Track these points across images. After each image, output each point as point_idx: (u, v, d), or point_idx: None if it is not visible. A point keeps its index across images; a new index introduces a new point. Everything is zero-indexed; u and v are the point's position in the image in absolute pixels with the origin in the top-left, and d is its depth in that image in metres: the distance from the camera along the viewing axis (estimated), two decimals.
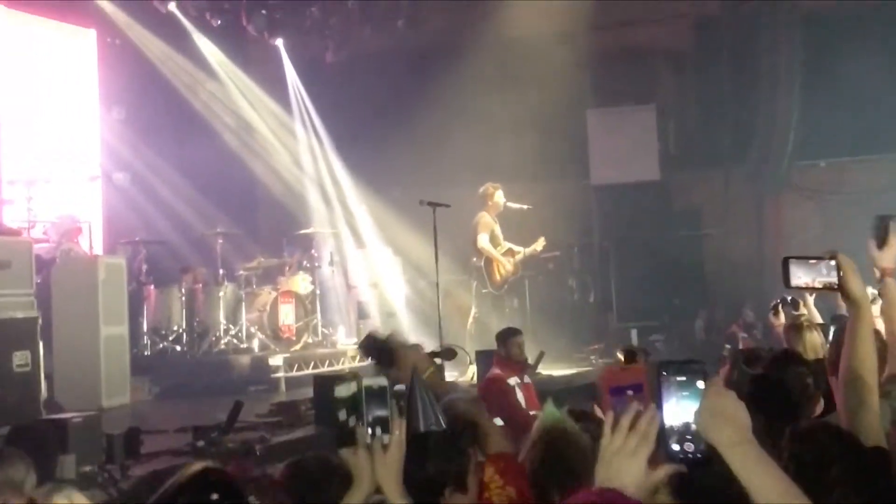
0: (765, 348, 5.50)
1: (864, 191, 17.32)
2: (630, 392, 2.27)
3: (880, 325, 4.90)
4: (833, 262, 3.44)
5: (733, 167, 17.79)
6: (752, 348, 5.59)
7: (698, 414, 2.18)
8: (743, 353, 5.44)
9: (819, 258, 3.47)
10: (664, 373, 2.21)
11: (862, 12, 17.32)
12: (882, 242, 4.55)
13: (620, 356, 4.41)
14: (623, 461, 2.16)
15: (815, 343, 6.35)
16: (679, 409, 2.19)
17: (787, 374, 4.43)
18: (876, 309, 5.94)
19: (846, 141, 17.09)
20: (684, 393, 2.20)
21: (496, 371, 9.22)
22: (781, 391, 4.31)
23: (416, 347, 4.01)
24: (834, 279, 3.48)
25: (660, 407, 2.20)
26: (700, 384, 2.20)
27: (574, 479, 3.24)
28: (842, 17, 17.38)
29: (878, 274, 4.90)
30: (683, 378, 2.21)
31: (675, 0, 18.05)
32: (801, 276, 3.54)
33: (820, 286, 3.53)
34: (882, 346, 4.43)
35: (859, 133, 16.93)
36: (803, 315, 7.63)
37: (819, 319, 7.48)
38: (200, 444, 7.66)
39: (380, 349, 3.76)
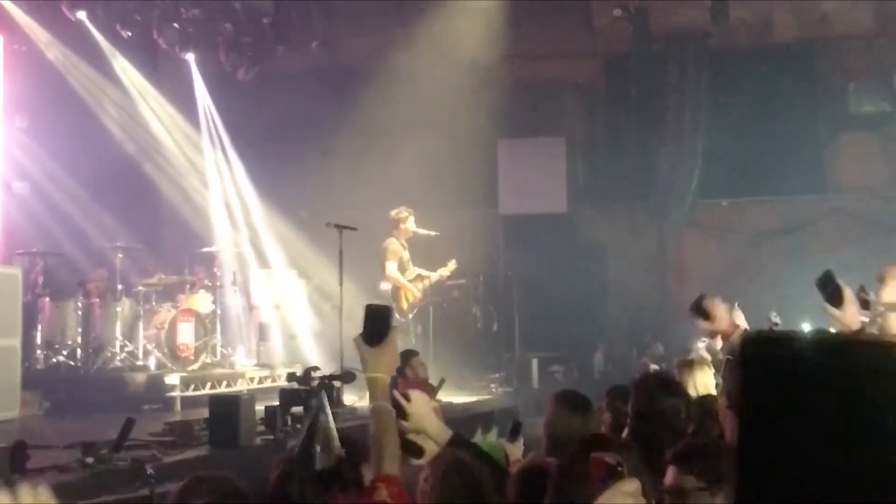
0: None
1: (765, 231, 17.73)
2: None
3: None
4: None
5: (638, 203, 18.02)
6: (619, 386, 5.69)
7: None
8: (614, 391, 5.57)
9: None
10: None
11: (767, 54, 17.78)
12: (838, 301, 4.65)
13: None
14: None
15: (705, 380, 6.49)
16: None
17: (663, 405, 4.54)
18: None
19: (748, 180, 17.47)
20: None
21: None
22: (660, 422, 4.40)
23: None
24: None
25: None
26: None
27: None
28: (748, 59, 17.82)
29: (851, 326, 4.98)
30: None
31: (587, 36, 18.33)
32: None
33: None
34: None
35: (762, 173, 17.33)
36: (691, 353, 7.79)
37: (707, 358, 7.61)
38: (89, 460, 7.49)
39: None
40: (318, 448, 3.39)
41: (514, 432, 5.21)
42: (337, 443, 3.48)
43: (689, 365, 6.68)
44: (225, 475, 4.02)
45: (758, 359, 1.56)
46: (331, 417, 3.42)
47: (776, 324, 7.12)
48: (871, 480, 1.46)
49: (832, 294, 4.78)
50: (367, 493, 3.19)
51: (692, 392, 6.02)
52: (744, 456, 1.55)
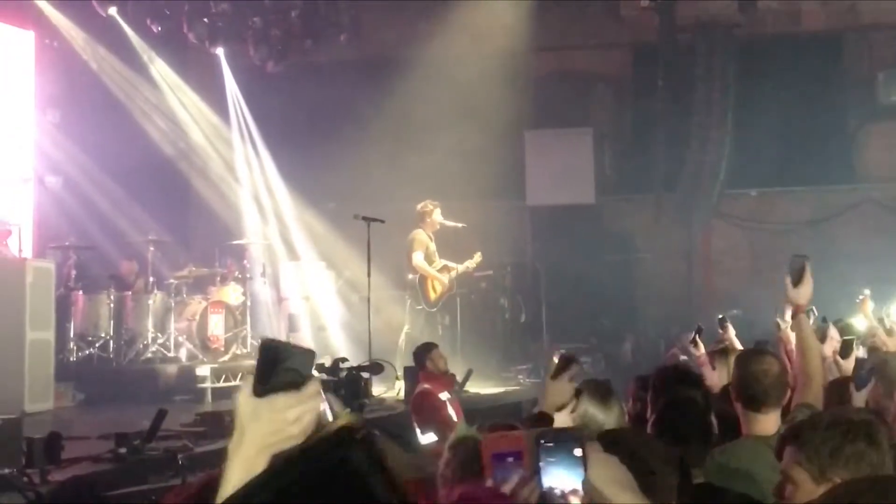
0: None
1: (793, 221, 17.69)
2: (511, 459, 2.26)
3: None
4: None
5: (665, 193, 18.01)
6: (645, 376, 5.74)
7: (586, 483, 2.21)
8: (640, 380, 5.62)
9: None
10: (542, 441, 2.24)
11: (795, 44, 17.72)
12: (798, 280, 4.76)
13: (555, 359, 4.52)
14: None
15: None
16: (557, 478, 2.22)
17: (682, 396, 4.58)
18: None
19: (776, 171, 17.42)
20: (562, 461, 2.22)
21: (426, 386, 9.28)
22: (679, 413, 4.44)
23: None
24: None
25: (538, 475, 2.22)
26: (577, 451, 2.23)
27: None
28: (776, 49, 17.76)
29: (789, 310, 5.08)
30: (560, 446, 2.24)
31: (615, 27, 18.31)
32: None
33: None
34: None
35: (789, 163, 17.28)
36: (726, 341, 7.79)
37: (739, 348, 7.64)
38: (122, 450, 7.64)
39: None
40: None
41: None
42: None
43: (724, 353, 6.71)
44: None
45: None
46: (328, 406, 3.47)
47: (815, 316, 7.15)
48: None
49: (797, 272, 4.87)
50: None
51: (727, 380, 6.06)
52: None
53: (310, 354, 2.11)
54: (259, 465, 1.93)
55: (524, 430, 2.70)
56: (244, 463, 1.97)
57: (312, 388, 2.03)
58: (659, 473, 2.97)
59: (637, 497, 2.23)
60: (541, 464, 2.21)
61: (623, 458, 2.32)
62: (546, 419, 3.82)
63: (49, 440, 7.26)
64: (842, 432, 3.08)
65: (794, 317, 4.95)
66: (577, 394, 4.10)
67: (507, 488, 2.21)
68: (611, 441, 2.75)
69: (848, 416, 3.22)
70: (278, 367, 2.01)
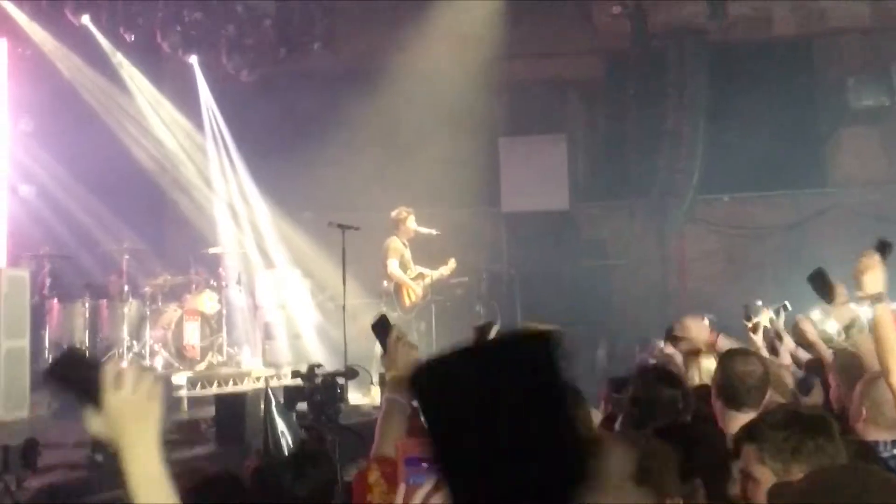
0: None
1: (767, 225, 17.81)
2: (425, 464, 2.24)
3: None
4: None
5: (639, 199, 18.09)
6: (617, 378, 5.81)
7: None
8: (613, 382, 5.69)
9: None
10: None
11: (767, 48, 17.84)
12: (830, 297, 4.78)
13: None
14: None
15: (711, 369, 6.59)
16: None
17: (658, 394, 4.64)
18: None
19: (750, 176, 17.49)
20: None
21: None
22: (655, 410, 4.50)
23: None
24: None
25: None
26: None
27: None
28: (747, 55, 17.87)
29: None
30: None
31: (587, 33, 18.40)
32: None
33: None
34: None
35: (762, 168, 17.35)
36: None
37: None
38: (99, 457, 7.63)
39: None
40: (284, 437, 3.58)
41: None
42: (286, 431, 3.69)
43: (696, 353, 6.78)
44: (229, 472, 4.18)
45: (425, 387, 1.75)
46: (276, 413, 3.65)
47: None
48: (522, 464, 1.67)
49: (824, 290, 4.90)
50: (362, 473, 3.35)
51: (697, 379, 6.13)
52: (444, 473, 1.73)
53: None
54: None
55: None
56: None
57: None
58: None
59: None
60: None
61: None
62: None
63: (26, 447, 7.25)
64: (801, 429, 3.24)
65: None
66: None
67: (419, 494, 2.22)
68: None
69: (802, 413, 3.37)
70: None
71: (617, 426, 4.57)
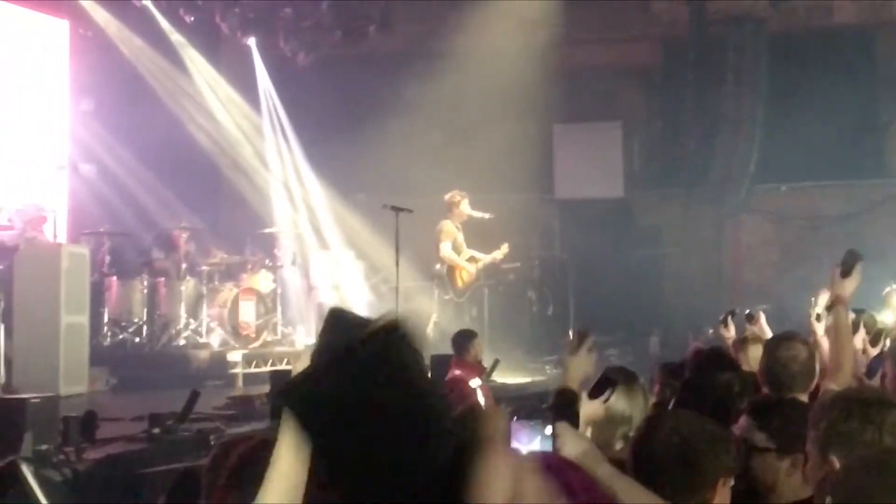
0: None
1: (823, 215, 17.64)
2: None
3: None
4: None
5: (694, 187, 17.99)
6: (672, 363, 5.79)
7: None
8: (667, 367, 5.68)
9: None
10: (515, 418, 2.29)
11: (827, 37, 17.64)
12: (847, 273, 4.81)
13: (570, 336, 4.58)
14: None
15: (758, 357, 6.57)
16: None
17: (713, 377, 4.64)
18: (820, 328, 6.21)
19: (807, 165, 17.34)
20: (534, 437, 2.27)
21: (457, 373, 9.37)
22: (708, 394, 4.50)
23: None
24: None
25: None
26: (547, 430, 2.28)
27: None
28: (807, 42, 17.69)
29: (823, 296, 5.12)
30: (532, 423, 2.29)
31: (644, 20, 18.30)
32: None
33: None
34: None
35: (820, 158, 17.18)
36: (753, 330, 7.82)
37: (769, 335, 7.67)
38: (156, 431, 7.76)
39: None
40: None
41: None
42: None
43: (744, 342, 6.77)
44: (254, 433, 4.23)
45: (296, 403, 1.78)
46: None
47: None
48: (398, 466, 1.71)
49: (848, 265, 4.89)
50: None
51: (746, 368, 6.12)
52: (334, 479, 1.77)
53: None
54: None
55: (498, 408, 2.77)
56: None
57: None
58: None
59: (606, 469, 2.29)
60: (515, 438, 2.26)
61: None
62: (567, 394, 3.83)
63: (85, 419, 7.40)
64: (857, 414, 3.06)
65: (832, 306, 4.98)
66: (610, 382, 4.10)
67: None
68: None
69: (848, 395, 3.27)
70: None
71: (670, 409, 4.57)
